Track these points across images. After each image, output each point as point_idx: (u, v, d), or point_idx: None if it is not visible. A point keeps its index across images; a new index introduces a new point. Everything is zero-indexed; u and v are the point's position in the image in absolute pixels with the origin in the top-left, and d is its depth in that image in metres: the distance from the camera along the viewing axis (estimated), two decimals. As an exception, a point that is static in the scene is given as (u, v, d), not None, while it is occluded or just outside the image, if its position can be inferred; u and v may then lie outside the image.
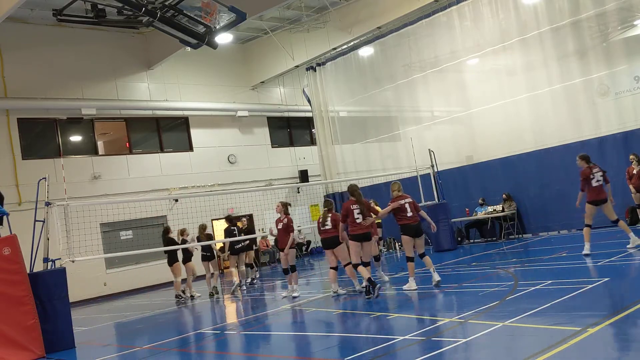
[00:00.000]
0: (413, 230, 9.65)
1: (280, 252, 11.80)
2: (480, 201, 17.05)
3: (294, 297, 11.27)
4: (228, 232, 14.70)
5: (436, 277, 9.59)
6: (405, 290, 9.72)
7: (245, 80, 24.36)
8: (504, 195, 16.32)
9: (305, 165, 25.26)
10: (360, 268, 9.59)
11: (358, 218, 9.62)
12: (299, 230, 20.26)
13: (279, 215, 11.77)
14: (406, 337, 6.43)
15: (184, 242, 14.35)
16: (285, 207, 11.71)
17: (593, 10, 14.80)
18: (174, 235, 14.74)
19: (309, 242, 24.30)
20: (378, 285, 9.44)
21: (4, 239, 8.98)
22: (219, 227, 19.65)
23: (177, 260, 14.49)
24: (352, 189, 9.96)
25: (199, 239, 14.42)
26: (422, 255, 9.80)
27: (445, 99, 18.95)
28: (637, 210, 13.54)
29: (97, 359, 8.38)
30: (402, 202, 9.80)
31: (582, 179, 10.29)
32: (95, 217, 15.28)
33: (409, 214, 9.68)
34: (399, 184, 10.19)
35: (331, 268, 10.61)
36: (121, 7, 10.14)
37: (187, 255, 14.54)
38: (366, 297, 9.44)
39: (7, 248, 8.81)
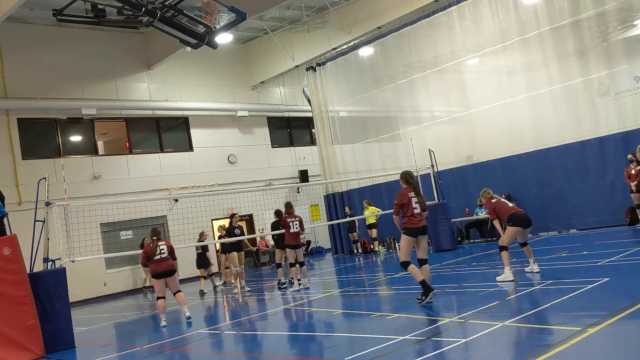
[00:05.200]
0: (523, 221, 9.68)
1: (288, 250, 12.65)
2: (478, 202, 17.03)
3: (307, 289, 12.17)
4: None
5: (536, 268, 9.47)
6: (500, 281, 9.16)
7: (245, 80, 24.36)
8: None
9: (305, 165, 25.27)
10: (412, 267, 8.43)
11: (416, 208, 8.55)
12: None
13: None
14: (406, 337, 6.43)
15: (241, 232, 14.56)
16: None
17: (593, 10, 14.78)
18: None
19: (309, 242, 24.30)
20: (434, 291, 8.33)
21: (4, 239, 8.97)
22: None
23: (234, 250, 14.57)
24: (410, 176, 8.87)
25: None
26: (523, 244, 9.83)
27: (445, 99, 18.93)
28: (637, 210, 13.54)
29: (97, 359, 8.39)
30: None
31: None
32: (95, 217, 15.29)
33: (510, 204, 10.11)
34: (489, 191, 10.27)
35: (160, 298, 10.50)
36: (121, 7, 10.15)
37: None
38: (417, 300, 8.31)
39: (7, 248, 8.80)
